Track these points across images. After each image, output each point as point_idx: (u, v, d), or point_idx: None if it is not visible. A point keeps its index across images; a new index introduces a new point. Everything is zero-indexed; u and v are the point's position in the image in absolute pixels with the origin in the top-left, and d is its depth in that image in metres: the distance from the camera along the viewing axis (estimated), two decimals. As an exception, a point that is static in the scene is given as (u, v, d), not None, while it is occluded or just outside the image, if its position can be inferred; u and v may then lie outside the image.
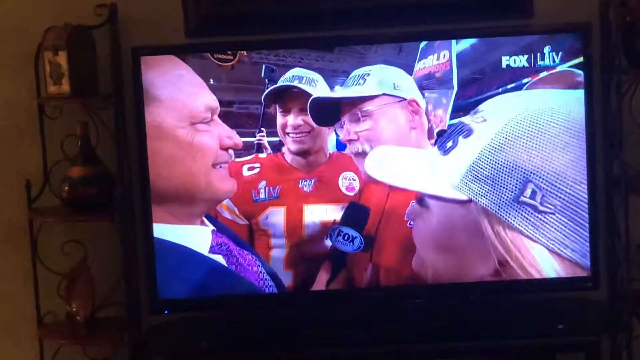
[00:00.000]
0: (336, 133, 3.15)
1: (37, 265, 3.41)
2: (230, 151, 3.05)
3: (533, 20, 3.36)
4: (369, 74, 3.06)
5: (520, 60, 3.13)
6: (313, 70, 3.14)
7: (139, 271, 3.37)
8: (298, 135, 3.15)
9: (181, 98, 2.98)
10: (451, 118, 2.98)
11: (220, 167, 3.00)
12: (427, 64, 3.09)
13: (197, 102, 2.97)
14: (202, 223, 3.08)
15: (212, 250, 3.02)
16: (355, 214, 3.15)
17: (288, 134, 3.17)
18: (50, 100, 3.33)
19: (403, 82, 3.09)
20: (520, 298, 3.27)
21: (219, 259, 3.03)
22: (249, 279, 3.11)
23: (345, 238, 3.15)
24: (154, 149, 3.10)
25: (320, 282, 3.22)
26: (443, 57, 3.09)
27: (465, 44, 3.14)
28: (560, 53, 3.14)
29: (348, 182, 3.15)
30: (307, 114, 3.12)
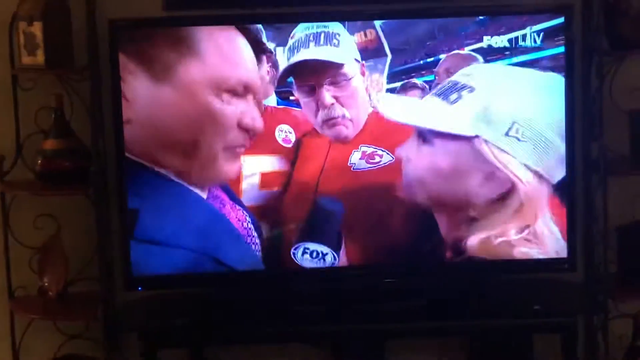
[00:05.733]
0: (277, 95, 3.14)
1: (9, 239, 3.37)
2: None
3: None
4: (340, 34, 3.07)
5: (502, 41, 3.15)
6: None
7: (113, 246, 3.34)
8: None
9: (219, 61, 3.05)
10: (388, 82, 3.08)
11: (235, 150, 3.08)
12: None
13: (232, 72, 3.04)
14: None
15: (208, 199, 3.11)
16: (322, 220, 3.15)
17: None
18: (24, 71, 3.28)
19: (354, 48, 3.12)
20: (497, 279, 3.28)
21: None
22: (238, 231, 3.13)
23: (314, 256, 3.15)
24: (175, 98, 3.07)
25: None
26: (370, 33, 3.13)
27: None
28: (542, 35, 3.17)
29: (284, 135, 3.14)
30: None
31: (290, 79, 3.14)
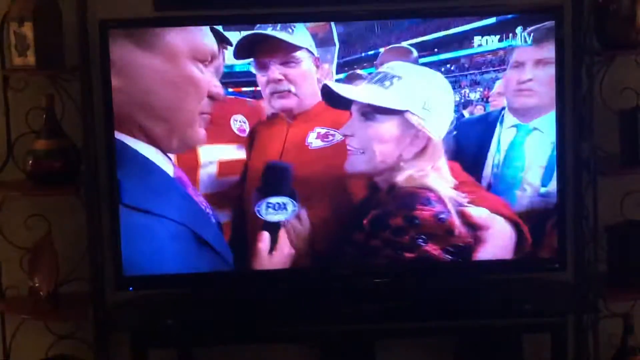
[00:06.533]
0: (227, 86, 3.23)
1: (0, 239, 3.37)
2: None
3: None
4: (295, 26, 3.27)
5: (493, 41, 3.17)
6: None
7: (104, 246, 3.34)
8: None
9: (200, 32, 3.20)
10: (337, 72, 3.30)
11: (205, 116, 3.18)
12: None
13: (205, 40, 3.18)
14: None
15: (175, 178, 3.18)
16: (276, 176, 3.27)
17: None
18: (15, 72, 3.28)
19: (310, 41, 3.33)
20: (487, 279, 3.28)
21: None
22: (203, 210, 3.20)
23: (276, 207, 3.25)
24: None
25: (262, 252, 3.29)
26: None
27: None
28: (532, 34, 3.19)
29: (239, 124, 3.25)
30: None
31: (251, 61, 3.25)
